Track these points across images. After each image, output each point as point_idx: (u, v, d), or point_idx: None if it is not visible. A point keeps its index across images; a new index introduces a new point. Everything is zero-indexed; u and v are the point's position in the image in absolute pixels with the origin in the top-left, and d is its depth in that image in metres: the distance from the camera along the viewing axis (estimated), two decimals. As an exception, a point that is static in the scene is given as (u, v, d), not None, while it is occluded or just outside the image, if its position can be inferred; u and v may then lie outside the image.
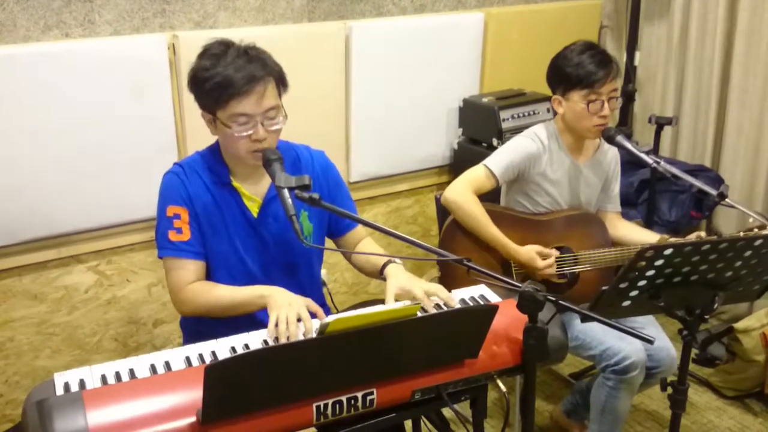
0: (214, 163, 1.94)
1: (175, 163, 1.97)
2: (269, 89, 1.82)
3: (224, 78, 1.77)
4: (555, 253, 2.38)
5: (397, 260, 1.94)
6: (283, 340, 1.63)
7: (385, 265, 1.93)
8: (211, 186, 1.92)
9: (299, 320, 1.68)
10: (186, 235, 1.88)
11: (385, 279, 1.90)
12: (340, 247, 2.14)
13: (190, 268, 1.89)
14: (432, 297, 1.79)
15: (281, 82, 1.88)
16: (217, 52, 1.82)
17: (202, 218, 1.90)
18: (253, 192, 1.95)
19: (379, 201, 3.41)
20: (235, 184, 1.93)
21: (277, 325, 1.67)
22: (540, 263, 2.35)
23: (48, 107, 2.47)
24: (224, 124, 1.81)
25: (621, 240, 2.54)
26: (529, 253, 2.36)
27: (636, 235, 2.53)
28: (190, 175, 1.92)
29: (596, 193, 2.54)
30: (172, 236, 1.87)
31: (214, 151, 1.96)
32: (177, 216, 1.88)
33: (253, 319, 1.84)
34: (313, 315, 1.73)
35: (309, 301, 1.76)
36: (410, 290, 1.79)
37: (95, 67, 2.51)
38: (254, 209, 1.94)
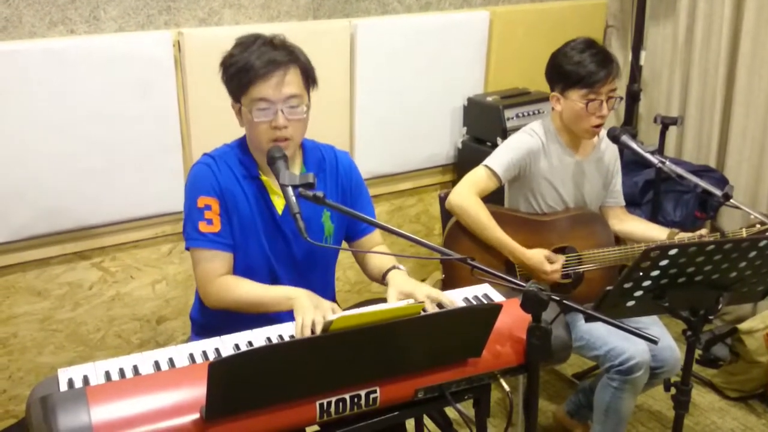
0: (242, 156, 1.93)
1: (205, 154, 1.96)
2: (291, 76, 1.82)
3: (246, 62, 1.80)
4: (562, 258, 2.38)
5: (402, 267, 1.95)
6: None
7: (388, 271, 1.94)
8: (241, 179, 1.91)
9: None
10: (216, 227, 1.87)
11: (387, 284, 1.90)
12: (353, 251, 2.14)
13: (219, 260, 1.88)
14: (434, 302, 1.79)
15: (308, 75, 1.88)
16: (245, 42, 1.85)
17: (231, 211, 1.90)
18: (279, 188, 1.95)
19: (382, 199, 3.41)
20: (263, 178, 1.93)
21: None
22: (548, 267, 2.35)
23: (52, 103, 2.47)
24: (248, 110, 1.82)
25: (629, 235, 2.54)
26: (538, 256, 2.35)
27: (643, 229, 2.53)
28: (222, 166, 1.91)
29: (598, 189, 2.54)
30: (203, 227, 1.86)
31: (242, 144, 1.96)
32: (208, 207, 1.87)
33: (265, 318, 1.83)
34: None
35: (335, 306, 1.77)
36: (412, 293, 1.79)
37: (100, 63, 2.52)
38: (279, 206, 1.94)
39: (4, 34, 2.43)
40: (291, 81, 1.82)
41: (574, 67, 2.29)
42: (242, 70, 1.80)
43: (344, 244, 2.12)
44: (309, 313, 1.70)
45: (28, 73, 2.40)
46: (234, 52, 1.84)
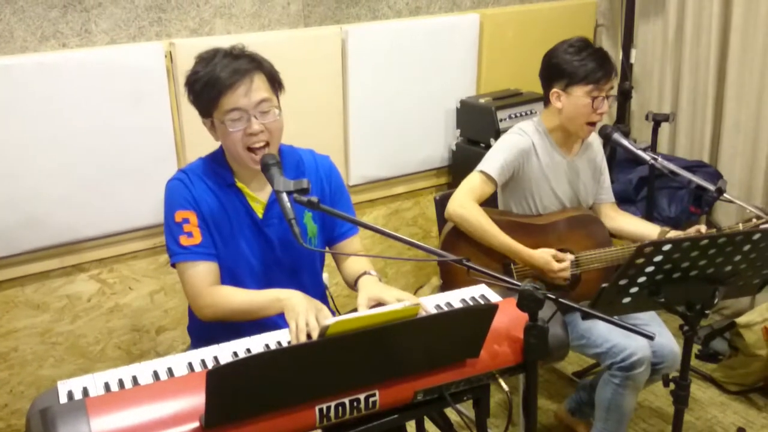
0: (217, 167, 1.95)
1: (178, 170, 1.99)
2: (257, 82, 1.83)
3: (211, 77, 1.81)
4: (570, 256, 2.38)
5: (372, 272, 1.96)
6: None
7: (359, 277, 1.95)
8: (216, 189, 1.93)
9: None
10: (197, 238, 1.89)
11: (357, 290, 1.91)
12: (335, 254, 2.14)
13: (205, 271, 1.89)
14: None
15: (273, 79, 1.90)
16: (205, 57, 1.87)
17: (209, 221, 1.91)
18: (257, 193, 1.96)
19: (378, 204, 3.42)
20: (240, 185, 1.94)
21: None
22: (555, 266, 2.35)
23: (46, 117, 2.47)
24: (221, 122, 1.83)
25: (620, 232, 2.55)
26: (545, 256, 2.35)
27: (634, 226, 2.55)
28: (194, 179, 1.93)
29: (591, 185, 2.55)
30: (184, 241, 1.88)
31: (217, 155, 1.98)
32: (186, 220, 1.89)
33: (261, 324, 1.84)
34: None
35: (323, 307, 1.77)
36: (381, 297, 1.80)
37: (93, 76, 2.52)
38: (259, 210, 1.95)
39: (-4, 49, 2.45)
40: (259, 87, 1.83)
41: (578, 65, 2.31)
42: (208, 85, 1.81)
43: (326, 248, 2.13)
44: (302, 315, 1.70)
45: (21, 87, 2.41)
46: (197, 69, 1.85)
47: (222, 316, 1.89)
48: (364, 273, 1.95)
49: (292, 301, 1.76)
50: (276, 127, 1.88)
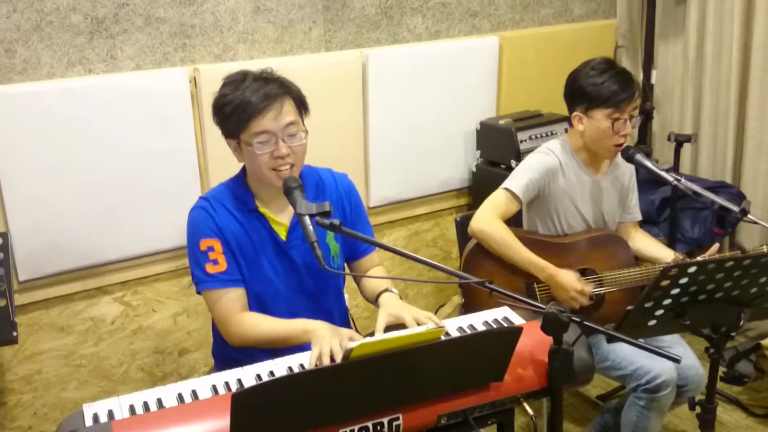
0: (239, 191, 1.97)
1: (200, 198, 2.00)
2: (287, 106, 1.86)
3: (242, 100, 1.83)
4: (591, 285, 2.37)
5: (394, 290, 1.97)
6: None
7: (381, 293, 1.96)
8: (238, 214, 1.94)
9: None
10: (223, 266, 1.90)
11: (378, 306, 1.92)
12: (353, 271, 2.16)
13: (233, 297, 1.91)
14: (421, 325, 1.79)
15: (300, 102, 1.93)
16: (235, 80, 1.89)
17: (233, 247, 1.93)
18: (279, 216, 1.97)
19: (398, 225, 3.42)
20: (262, 209, 1.96)
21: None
22: (579, 285, 2.33)
23: (72, 142, 2.51)
24: (248, 144, 1.85)
25: (635, 251, 2.53)
26: (570, 274, 2.34)
27: (650, 248, 2.53)
28: (217, 206, 1.95)
29: (615, 206, 2.54)
30: (210, 269, 1.90)
31: (239, 179, 2.00)
32: (211, 248, 1.91)
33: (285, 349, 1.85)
34: None
35: (352, 333, 1.78)
36: (400, 316, 1.81)
37: (118, 101, 2.56)
38: (282, 233, 1.97)
39: (24, 75, 2.49)
40: (287, 111, 1.86)
41: (598, 88, 2.30)
42: (239, 108, 1.83)
43: (347, 269, 2.15)
44: (326, 342, 1.71)
45: (48, 113, 2.45)
46: (226, 92, 1.87)
47: (250, 344, 1.91)
48: (386, 290, 1.97)
49: (319, 331, 1.78)
50: (302, 150, 1.90)
